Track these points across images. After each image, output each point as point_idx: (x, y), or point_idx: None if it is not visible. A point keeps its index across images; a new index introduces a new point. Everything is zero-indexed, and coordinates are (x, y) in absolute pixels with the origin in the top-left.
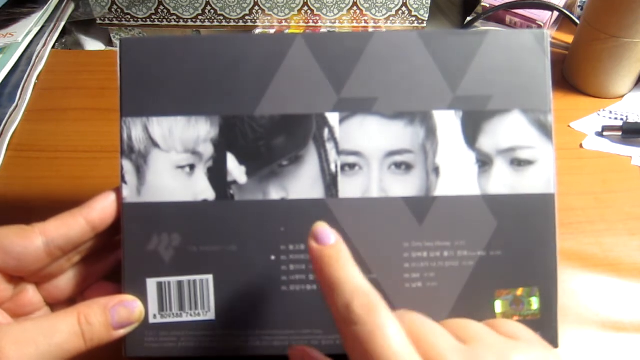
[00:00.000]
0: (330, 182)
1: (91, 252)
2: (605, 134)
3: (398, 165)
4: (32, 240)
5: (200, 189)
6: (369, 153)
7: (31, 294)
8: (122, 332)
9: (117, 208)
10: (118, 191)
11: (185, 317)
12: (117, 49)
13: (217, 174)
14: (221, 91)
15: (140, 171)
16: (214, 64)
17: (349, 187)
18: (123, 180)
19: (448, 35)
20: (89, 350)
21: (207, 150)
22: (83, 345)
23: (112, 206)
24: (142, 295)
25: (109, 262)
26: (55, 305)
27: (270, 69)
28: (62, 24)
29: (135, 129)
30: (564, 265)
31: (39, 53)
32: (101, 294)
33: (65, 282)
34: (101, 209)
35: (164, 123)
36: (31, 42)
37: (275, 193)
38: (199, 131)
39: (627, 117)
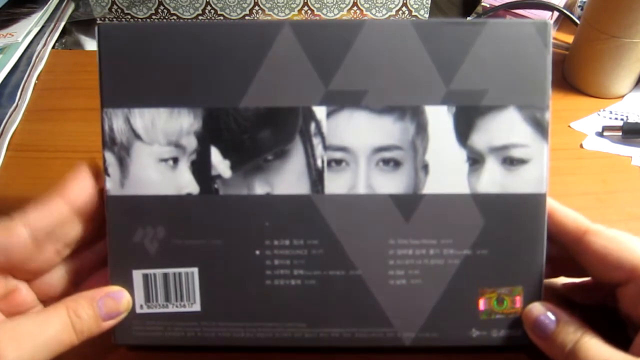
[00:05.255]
0: (316, 178)
1: (80, 244)
2: (605, 134)
3: (386, 161)
4: (17, 233)
5: (184, 183)
6: (357, 149)
7: (24, 293)
8: (111, 322)
9: (93, 183)
10: (90, 165)
11: (171, 308)
12: (96, 35)
13: (201, 168)
14: (205, 82)
15: (123, 163)
16: (198, 53)
17: (335, 183)
18: (106, 172)
19: (444, 25)
20: (81, 343)
21: (191, 143)
22: (75, 338)
23: (87, 181)
24: (129, 287)
25: (100, 255)
26: (48, 302)
27: (255, 59)
28: (62, 24)
29: (117, 121)
30: None
31: (39, 53)
32: (94, 284)
33: (56, 277)
34: (78, 187)
35: (146, 115)
36: (31, 42)
37: (260, 188)
38: (182, 123)
39: (627, 117)
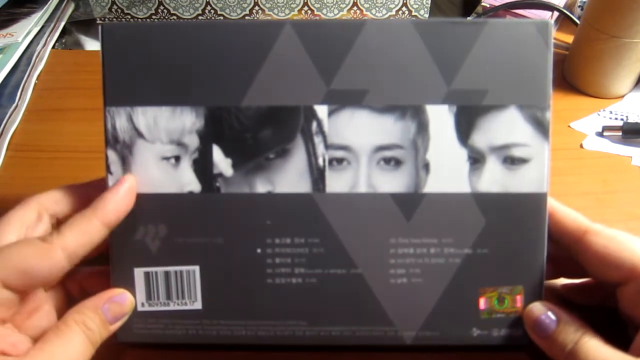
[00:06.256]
0: (318, 177)
1: None
2: (605, 134)
3: (387, 160)
4: (56, 259)
5: (186, 181)
6: (358, 148)
7: (37, 295)
8: (119, 324)
9: (130, 199)
10: (126, 181)
11: (173, 306)
12: (99, 35)
13: (202, 166)
14: (207, 80)
15: (125, 162)
16: (200, 52)
17: (337, 182)
18: (108, 170)
19: (445, 25)
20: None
21: (193, 141)
22: (92, 348)
23: (125, 200)
24: (130, 285)
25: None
26: (49, 292)
27: (257, 58)
28: (62, 24)
29: (120, 119)
30: None
31: (39, 53)
32: (96, 280)
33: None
34: (115, 208)
35: (149, 113)
36: (31, 42)
37: (261, 186)
38: (184, 122)
39: (627, 117)
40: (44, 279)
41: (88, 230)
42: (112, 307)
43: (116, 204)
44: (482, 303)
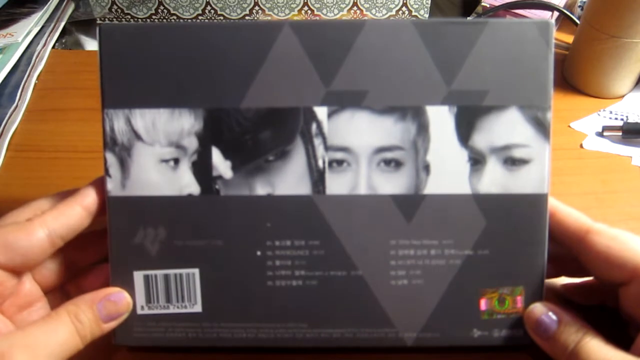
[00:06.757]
0: (318, 179)
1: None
2: (605, 134)
3: (387, 162)
4: (35, 233)
5: (185, 183)
6: (358, 149)
7: (28, 286)
8: (113, 324)
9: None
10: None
11: (172, 309)
12: (97, 36)
13: (202, 168)
14: (206, 82)
15: (124, 164)
16: (199, 53)
17: (337, 184)
18: (107, 173)
19: (445, 24)
20: (85, 346)
21: (192, 143)
22: (80, 342)
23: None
24: (130, 288)
25: (94, 247)
26: (48, 293)
27: (256, 59)
28: (62, 24)
29: (118, 121)
30: None
31: (39, 53)
32: (94, 280)
33: (55, 268)
34: (95, 195)
35: (147, 115)
36: (31, 42)
37: (261, 188)
38: (183, 124)
39: (627, 117)
40: (25, 253)
41: (67, 212)
42: (107, 305)
43: (97, 192)
44: (482, 304)
